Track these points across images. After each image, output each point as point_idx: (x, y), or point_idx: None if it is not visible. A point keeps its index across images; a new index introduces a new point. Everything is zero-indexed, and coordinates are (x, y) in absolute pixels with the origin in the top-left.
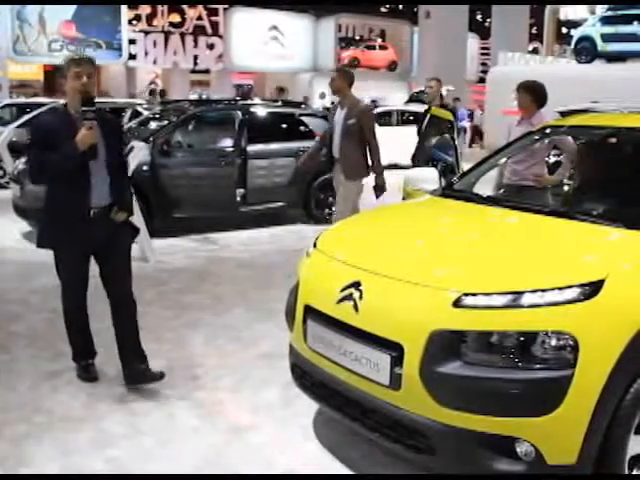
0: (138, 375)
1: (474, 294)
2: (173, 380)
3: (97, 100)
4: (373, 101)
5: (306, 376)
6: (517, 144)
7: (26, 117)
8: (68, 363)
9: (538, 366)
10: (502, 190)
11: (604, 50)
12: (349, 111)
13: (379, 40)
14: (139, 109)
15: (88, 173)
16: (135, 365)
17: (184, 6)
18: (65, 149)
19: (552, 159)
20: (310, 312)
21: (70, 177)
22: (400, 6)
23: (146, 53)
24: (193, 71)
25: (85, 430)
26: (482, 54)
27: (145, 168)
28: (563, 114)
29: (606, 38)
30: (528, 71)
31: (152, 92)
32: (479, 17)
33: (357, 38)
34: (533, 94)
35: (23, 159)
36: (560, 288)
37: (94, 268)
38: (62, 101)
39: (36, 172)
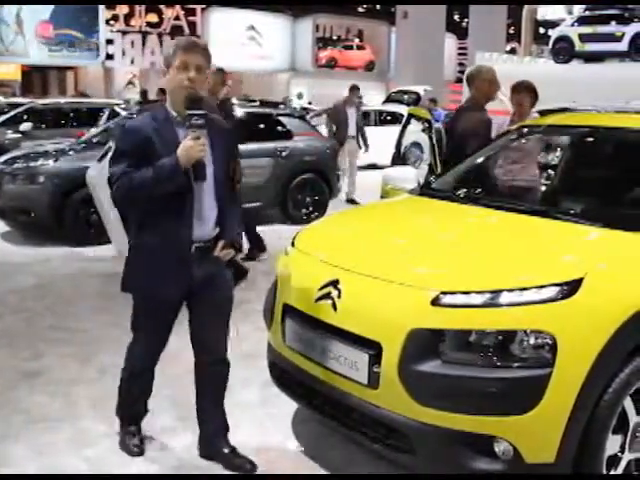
0: (221, 458)
1: (453, 293)
2: None
3: (76, 100)
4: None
5: (285, 375)
6: (495, 144)
7: (3, 117)
8: (46, 363)
9: (516, 365)
10: (488, 189)
11: (582, 50)
12: None
13: (357, 40)
14: (117, 109)
15: (192, 197)
16: (217, 443)
17: (162, 6)
18: (164, 166)
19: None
20: (289, 311)
21: (168, 201)
22: (378, 6)
23: (124, 53)
24: None
25: (63, 430)
26: (460, 54)
27: None
28: (542, 113)
29: (584, 38)
30: (505, 71)
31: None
32: (456, 17)
33: (335, 38)
34: (535, 94)
35: (1, 159)
36: (538, 287)
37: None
38: (40, 101)
39: (124, 193)
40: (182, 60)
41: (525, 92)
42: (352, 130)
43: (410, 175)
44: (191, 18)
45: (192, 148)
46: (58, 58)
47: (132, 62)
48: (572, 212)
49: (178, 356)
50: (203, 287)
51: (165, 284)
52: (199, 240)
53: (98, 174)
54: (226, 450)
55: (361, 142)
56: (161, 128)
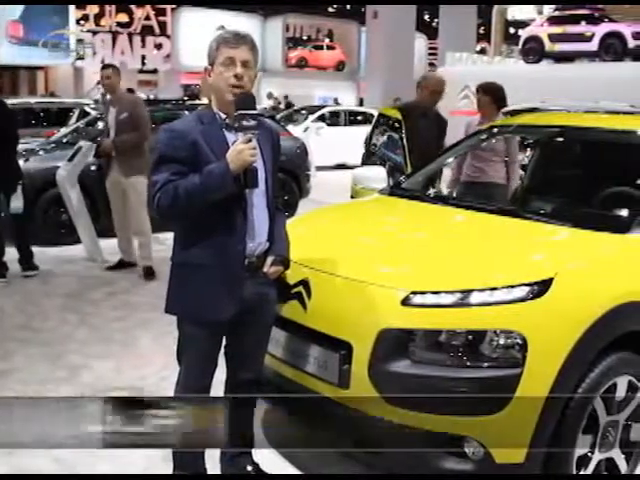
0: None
1: (422, 292)
2: (122, 380)
3: (45, 100)
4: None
5: None
6: (465, 143)
7: None
8: (16, 362)
9: (486, 365)
10: (457, 188)
11: (552, 50)
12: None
13: (327, 40)
14: (87, 109)
15: (244, 207)
16: (239, 462)
17: (132, 6)
18: (212, 172)
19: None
20: None
21: (218, 212)
22: (348, 6)
23: (94, 53)
24: (141, 71)
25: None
26: (430, 54)
27: (93, 168)
28: (511, 113)
29: (554, 38)
30: (476, 71)
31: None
32: (427, 17)
33: (305, 38)
34: (492, 95)
35: None
36: (509, 287)
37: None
38: (10, 101)
39: (168, 204)
40: (227, 55)
41: (482, 93)
42: None
43: (380, 175)
44: (161, 18)
45: (243, 152)
46: (28, 58)
47: (102, 62)
48: (542, 212)
49: (142, 358)
50: (250, 310)
51: (216, 306)
52: (251, 255)
53: (68, 174)
54: (249, 467)
55: None
56: (208, 131)
